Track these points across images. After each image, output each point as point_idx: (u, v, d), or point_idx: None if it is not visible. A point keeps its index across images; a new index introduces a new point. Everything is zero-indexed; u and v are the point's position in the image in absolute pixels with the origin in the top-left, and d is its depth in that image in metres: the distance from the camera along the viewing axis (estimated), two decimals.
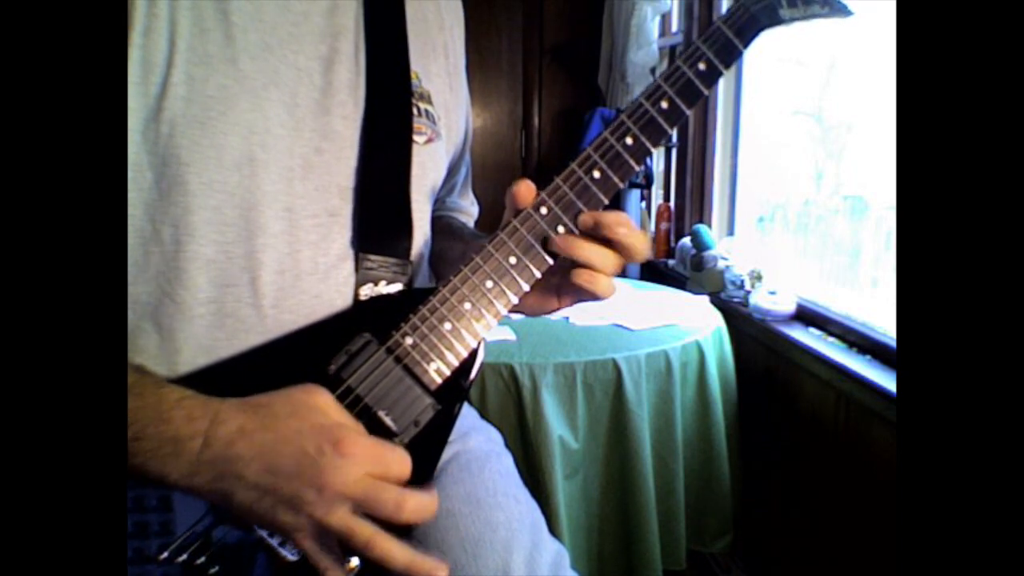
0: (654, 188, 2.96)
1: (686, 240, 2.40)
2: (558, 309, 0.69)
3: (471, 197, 0.96)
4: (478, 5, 3.31)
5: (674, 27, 2.84)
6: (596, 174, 0.64)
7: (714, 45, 0.65)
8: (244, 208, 0.61)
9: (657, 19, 2.64)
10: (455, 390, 0.64)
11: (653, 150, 0.65)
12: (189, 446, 0.54)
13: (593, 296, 0.64)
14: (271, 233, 0.62)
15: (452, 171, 0.87)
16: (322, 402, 0.57)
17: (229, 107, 0.59)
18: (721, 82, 2.37)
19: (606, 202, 0.65)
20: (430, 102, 0.73)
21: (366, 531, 0.55)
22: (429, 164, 0.72)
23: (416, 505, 0.55)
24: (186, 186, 0.59)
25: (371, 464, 0.55)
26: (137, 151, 0.58)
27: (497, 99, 3.48)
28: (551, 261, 0.64)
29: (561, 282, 0.65)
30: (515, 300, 0.64)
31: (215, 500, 0.56)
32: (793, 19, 0.69)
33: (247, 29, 0.61)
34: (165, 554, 0.57)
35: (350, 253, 0.66)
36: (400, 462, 0.57)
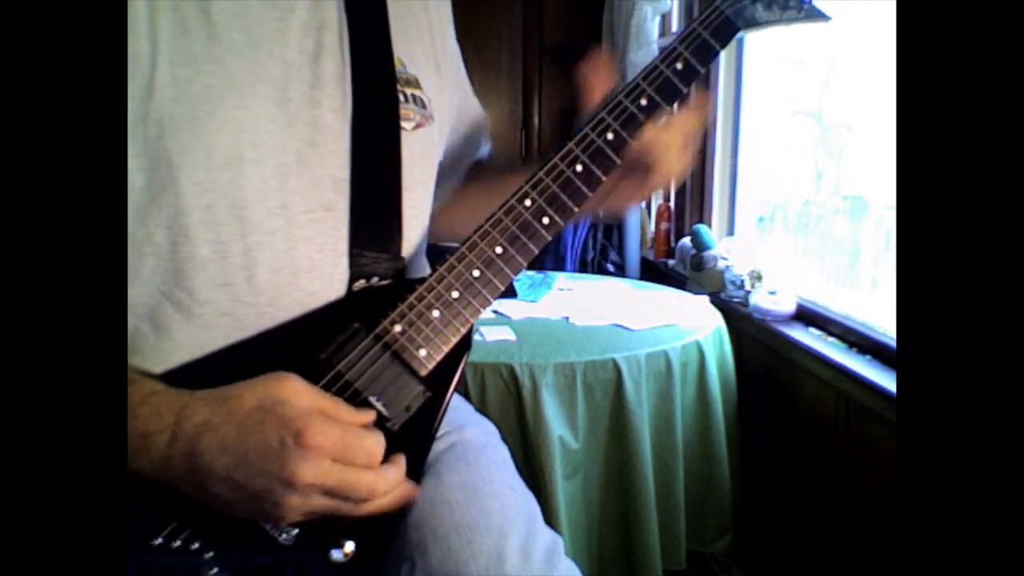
0: None
1: (686, 240, 2.40)
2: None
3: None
4: (478, 5, 3.31)
5: (674, 27, 2.84)
6: (579, 168, 0.67)
7: (691, 46, 0.69)
8: (236, 207, 0.61)
9: (657, 19, 2.64)
10: (446, 377, 0.65)
11: (633, 144, 0.68)
12: (157, 440, 0.54)
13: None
14: (266, 230, 0.62)
15: (472, 142, 0.90)
16: (289, 390, 0.56)
17: (216, 106, 0.59)
18: (721, 82, 2.37)
19: (589, 195, 0.68)
20: (418, 86, 0.73)
21: (347, 508, 0.57)
22: (418, 151, 0.72)
23: (387, 487, 0.58)
24: (177, 187, 0.59)
25: (337, 452, 0.55)
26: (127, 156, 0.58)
27: (497, 99, 3.48)
28: (536, 250, 0.67)
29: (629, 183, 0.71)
30: (502, 287, 0.65)
31: (193, 494, 0.56)
32: (769, 22, 0.72)
33: (230, 27, 0.61)
34: (158, 540, 0.58)
35: (345, 249, 0.66)
36: (370, 447, 0.57)
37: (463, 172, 0.92)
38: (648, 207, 2.97)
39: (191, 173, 0.59)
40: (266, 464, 0.53)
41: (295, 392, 0.56)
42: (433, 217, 0.78)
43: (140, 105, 0.57)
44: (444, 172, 0.83)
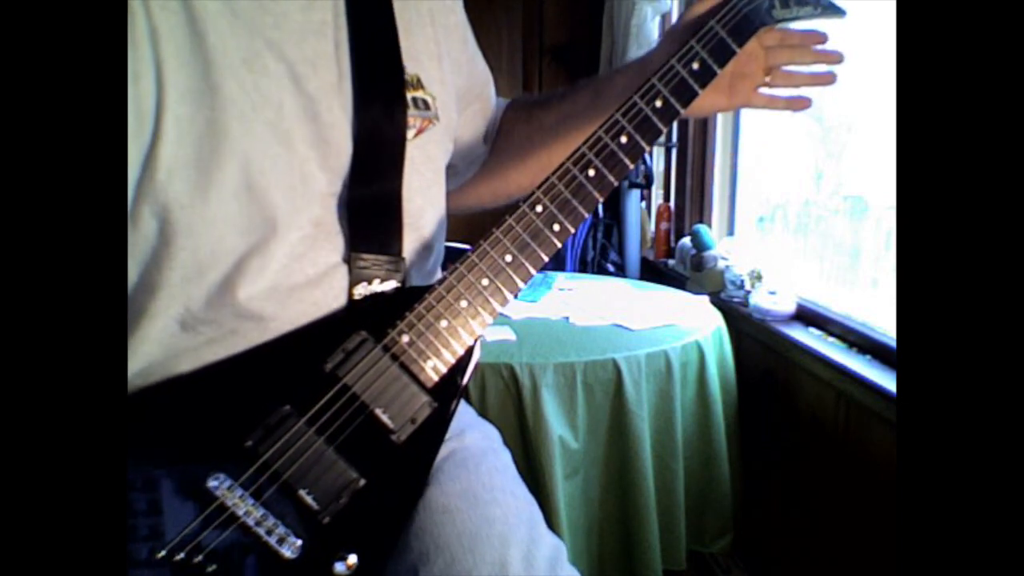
0: (654, 188, 2.96)
1: (686, 240, 2.40)
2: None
3: None
4: (478, 5, 3.31)
5: None
6: (591, 172, 0.65)
7: (708, 45, 0.66)
8: (245, 234, 0.61)
9: (657, 19, 2.63)
10: (452, 388, 0.64)
11: (647, 148, 0.66)
12: None
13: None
14: (265, 253, 0.62)
15: (488, 102, 0.87)
16: None
17: (220, 139, 0.58)
18: None
19: (601, 200, 0.66)
20: (421, 86, 0.70)
21: None
22: (419, 157, 0.69)
23: None
24: (190, 228, 0.59)
25: None
26: (138, 203, 0.58)
27: None
28: (546, 258, 0.65)
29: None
30: (511, 297, 0.64)
31: None
32: (786, 19, 0.70)
33: (226, 49, 0.58)
34: (162, 553, 0.57)
35: (341, 256, 0.65)
36: None
37: (496, 127, 0.88)
38: (648, 207, 2.97)
39: (203, 211, 0.58)
40: None
41: None
42: (490, 179, 0.78)
43: (148, 151, 0.56)
44: (472, 149, 0.83)
